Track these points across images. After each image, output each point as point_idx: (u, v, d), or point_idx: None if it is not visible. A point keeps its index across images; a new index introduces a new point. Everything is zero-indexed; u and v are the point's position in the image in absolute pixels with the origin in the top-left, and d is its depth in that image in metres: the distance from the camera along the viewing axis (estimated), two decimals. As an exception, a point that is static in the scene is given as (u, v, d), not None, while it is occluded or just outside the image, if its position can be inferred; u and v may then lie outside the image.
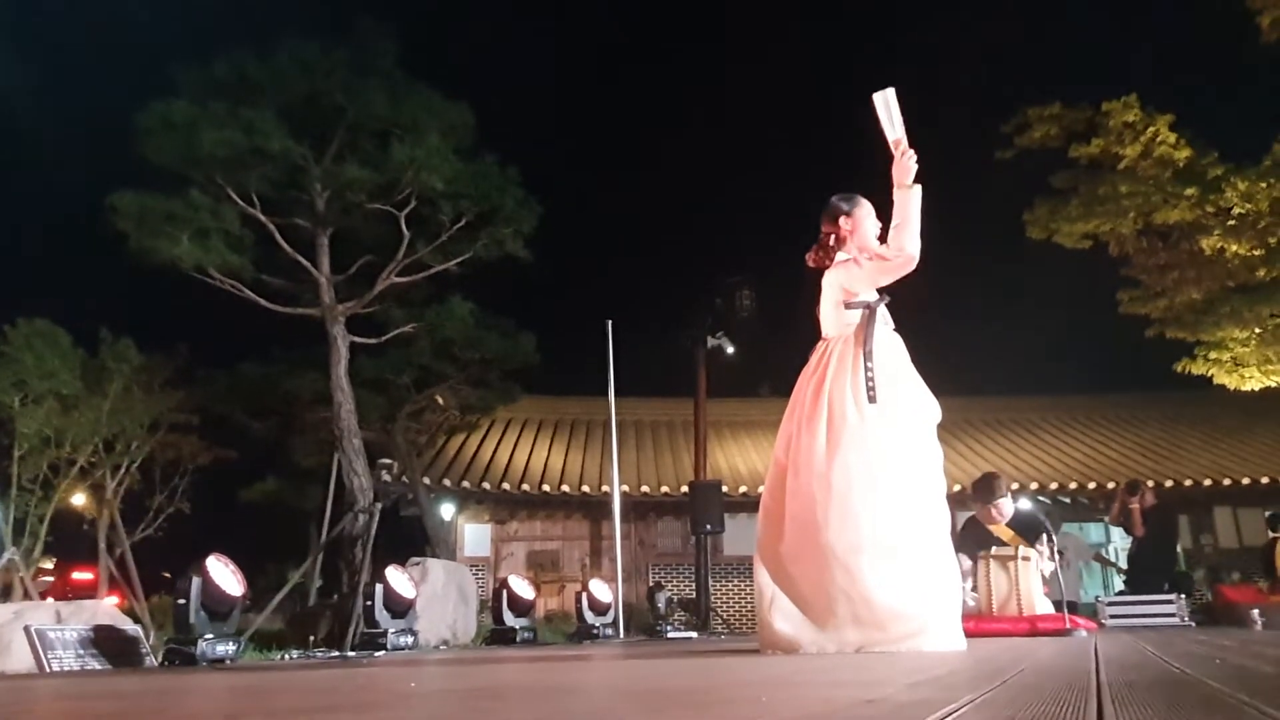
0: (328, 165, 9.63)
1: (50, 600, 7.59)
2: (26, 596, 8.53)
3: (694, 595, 11.81)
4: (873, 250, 3.46)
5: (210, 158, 8.75)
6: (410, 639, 6.40)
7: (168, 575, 13.93)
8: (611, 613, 8.44)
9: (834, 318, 3.49)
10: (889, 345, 3.44)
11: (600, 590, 8.39)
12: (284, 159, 9.20)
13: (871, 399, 3.25)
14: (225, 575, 5.10)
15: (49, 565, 13.64)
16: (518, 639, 7.32)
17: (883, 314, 3.46)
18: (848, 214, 3.56)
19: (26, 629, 4.49)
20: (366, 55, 9.80)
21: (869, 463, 3.19)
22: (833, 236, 3.56)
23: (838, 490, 3.16)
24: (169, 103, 8.83)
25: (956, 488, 13.95)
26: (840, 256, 3.52)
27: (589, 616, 8.17)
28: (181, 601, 4.92)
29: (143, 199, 8.81)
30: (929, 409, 3.42)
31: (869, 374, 3.28)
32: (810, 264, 3.62)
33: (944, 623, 3.11)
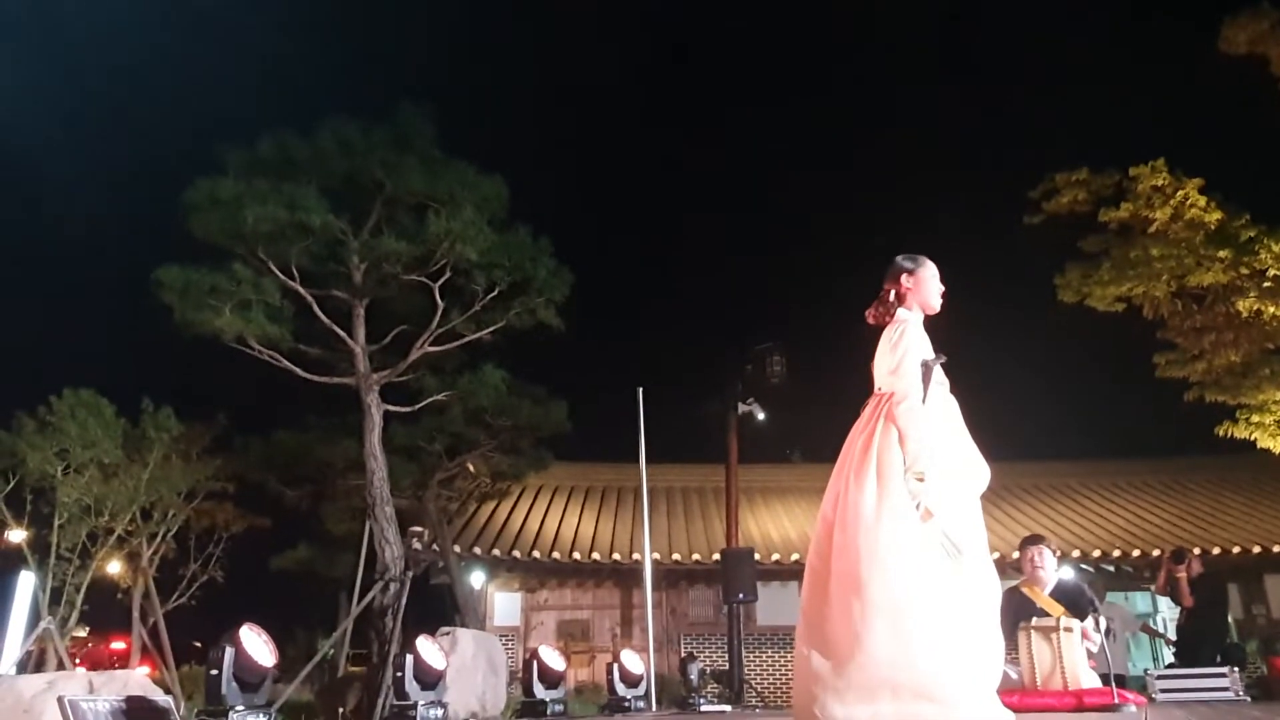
0: (365, 238, 9.89)
1: (82, 670, 7.61)
2: (60, 666, 8.58)
3: (727, 666, 11.55)
4: (914, 361, 3.34)
5: (254, 232, 9.03)
6: (440, 711, 6.32)
7: (199, 644, 13.93)
8: (643, 684, 8.28)
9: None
10: (943, 405, 3.38)
11: (631, 661, 8.25)
12: (324, 233, 9.48)
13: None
14: (258, 645, 5.11)
15: (83, 634, 13.71)
16: (548, 711, 7.20)
17: (938, 374, 3.42)
18: (910, 272, 3.52)
19: (59, 699, 4.51)
20: (404, 133, 10.14)
21: (919, 521, 3.09)
22: (893, 293, 3.52)
23: (885, 546, 3.06)
24: (216, 180, 9.17)
25: (995, 555, 13.66)
26: (901, 314, 3.47)
27: (620, 688, 8.01)
28: (214, 672, 4.92)
29: (188, 272, 9.09)
30: (979, 472, 3.35)
31: None
32: (870, 321, 3.56)
33: (984, 697, 3.00)
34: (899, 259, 3.58)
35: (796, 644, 3.24)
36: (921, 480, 3.12)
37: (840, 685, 3.00)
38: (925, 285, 3.52)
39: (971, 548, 3.19)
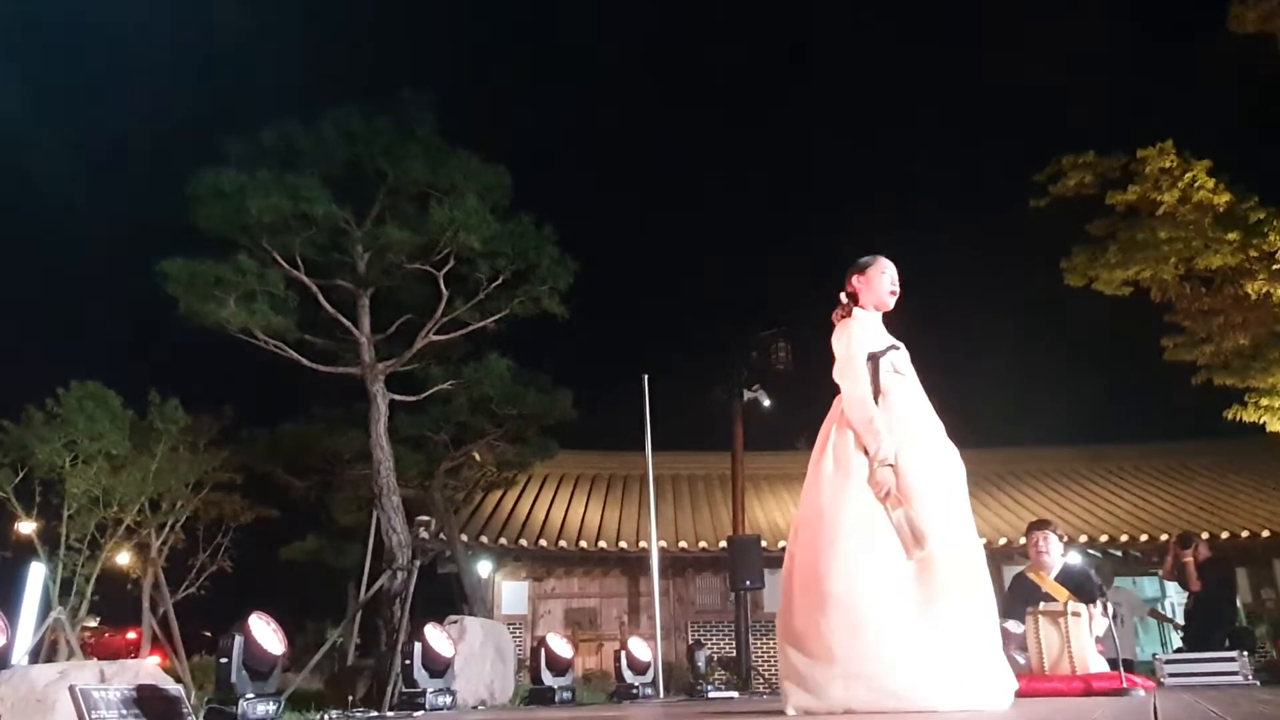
0: (369, 228, 9.88)
1: (94, 660, 7.65)
2: (72, 655, 8.63)
3: (734, 653, 11.58)
4: (862, 349, 3.44)
5: (257, 223, 9.03)
6: (448, 699, 6.36)
7: (208, 634, 14.02)
8: (651, 672, 8.30)
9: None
10: (905, 394, 3.42)
11: (639, 649, 8.27)
12: (327, 223, 9.47)
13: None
14: (267, 634, 5.12)
15: (93, 624, 13.80)
16: (556, 699, 7.23)
17: (889, 363, 3.45)
18: (861, 272, 3.64)
19: (71, 688, 4.53)
20: (407, 122, 10.10)
21: (875, 512, 3.16)
22: (844, 294, 3.65)
23: (843, 542, 3.14)
24: (219, 171, 9.16)
25: (1002, 541, 13.66)
26: (856, 313, 3.57)
27: (628, 676, 8.04)
28: (224, 661, 4.94)
29: (192, 264, 9.09)
30: (950, 460, 3.36)
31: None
32: (835, 321, 3.64)
33: (946, 688, 2.97)
34: (858, 260, 3.70)
35: (777, 636, 3.39)
36: (892, 465, 3.19)
37: (806, 676, 3.13)
38: (875, 283, 3.62)
39: (948, 535, 3.18)
